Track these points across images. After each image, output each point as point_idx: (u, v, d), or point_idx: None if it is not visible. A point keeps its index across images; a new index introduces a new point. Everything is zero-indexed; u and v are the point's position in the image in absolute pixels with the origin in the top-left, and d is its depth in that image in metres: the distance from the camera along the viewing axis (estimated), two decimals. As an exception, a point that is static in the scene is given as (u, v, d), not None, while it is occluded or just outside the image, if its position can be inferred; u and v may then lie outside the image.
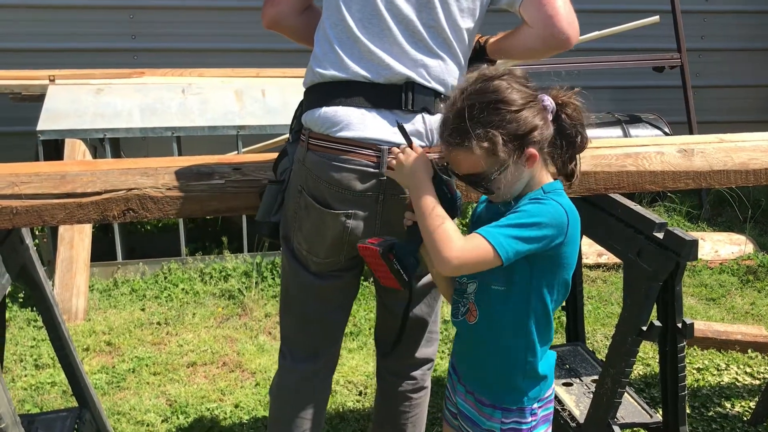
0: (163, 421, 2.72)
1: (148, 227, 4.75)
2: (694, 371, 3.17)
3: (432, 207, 1.52)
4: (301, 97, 1.86)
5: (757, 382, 3.14)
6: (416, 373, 2.03)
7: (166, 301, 3.70)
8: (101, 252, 3.87)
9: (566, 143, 1.54)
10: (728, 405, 2.94)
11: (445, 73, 1.74)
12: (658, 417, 2.46)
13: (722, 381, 3.13)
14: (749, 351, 3.37)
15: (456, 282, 1.66)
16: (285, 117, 3.73)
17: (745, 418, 2.84)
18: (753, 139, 2.63)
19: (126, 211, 2.03)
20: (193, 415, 2.75)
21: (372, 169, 1.71)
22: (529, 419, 1.63)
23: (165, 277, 3.86)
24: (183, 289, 3.77)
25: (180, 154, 3.80)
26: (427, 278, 1.90)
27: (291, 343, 1.95)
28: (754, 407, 2.87)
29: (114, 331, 3.38)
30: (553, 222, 1.48)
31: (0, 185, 1.93)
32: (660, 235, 2.15)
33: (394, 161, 1.64)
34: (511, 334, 1.58)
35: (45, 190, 1.96)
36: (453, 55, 1.75)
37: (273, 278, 3.85)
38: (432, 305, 1.96)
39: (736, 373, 3.20)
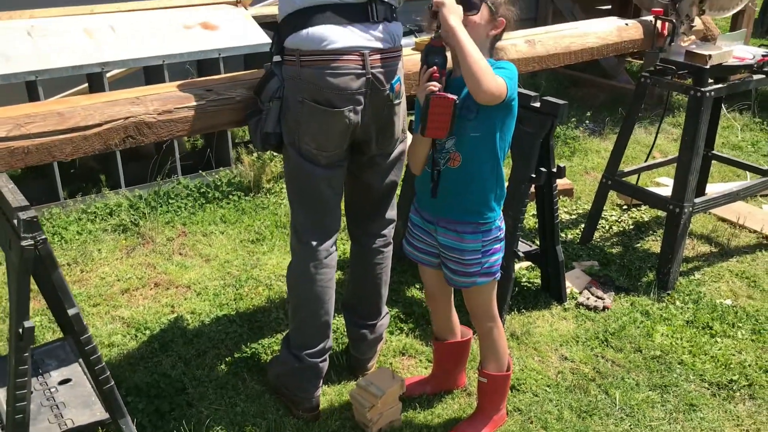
0: (131, 340, 2.94)
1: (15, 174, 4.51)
2: (531, 217, 4.07)
3: (473, 43, 1.97)
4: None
5: (574, 216, 4.14)
6: (385, 231, 2.58)
7: (62, 243, 3.72)
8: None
9: None
10: (563, 235, 3.89)
11: None
12: (536, 246, 3.28)
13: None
14: (560, 197, 4.37)
15: (435, 142, 2.18)
16: (149, 47, 3.83)
17: (576, 242, 3.80)
18: (567, 27, 3.47)
19: (126, 138, 2.24)
20: (158, 329, 3.00)
21: (361, 70, 2.16)
22: (501, 231, 2.28)
23: (51, 223, 3.84)
24: (75, 231, 3.80)
25: (38, 99, 3.72)
26: (399, 149, 2.42)
27: (309, 230, 2.36)
28: (580, 233, 3.85)
29: (27, 279, 3.38)
30: (515, 79, 2.10)
31: (6, 127, 2.04)
32: (537, 104, 2.87)
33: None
34: (488, 168, 2.17)
35: (51, 128, 2.11)
36: None
37: (162, 206, 4.03)
38: (399, 174, 2.49)
39: (561, 212, 4.18)
